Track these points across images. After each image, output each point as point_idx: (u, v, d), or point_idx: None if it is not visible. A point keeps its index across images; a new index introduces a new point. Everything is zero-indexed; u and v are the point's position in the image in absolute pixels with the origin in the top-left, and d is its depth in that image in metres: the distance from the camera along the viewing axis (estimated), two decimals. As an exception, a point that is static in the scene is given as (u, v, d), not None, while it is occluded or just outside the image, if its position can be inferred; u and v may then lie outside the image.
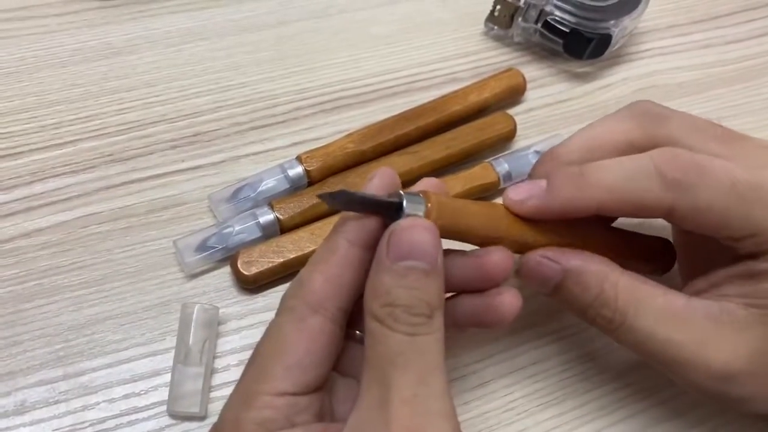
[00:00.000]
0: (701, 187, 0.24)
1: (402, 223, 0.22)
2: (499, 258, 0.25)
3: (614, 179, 0.25)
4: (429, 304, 0.22)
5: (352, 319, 0.26)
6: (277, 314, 0.24)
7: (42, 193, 0.35)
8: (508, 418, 0.30)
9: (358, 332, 0.26)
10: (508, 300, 0.25)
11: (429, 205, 0.23)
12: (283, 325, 0.23)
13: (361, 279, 0.24)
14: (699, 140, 0.27)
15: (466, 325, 0.26)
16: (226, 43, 0.43)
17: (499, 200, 0.37)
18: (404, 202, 0.23)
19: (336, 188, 0.35)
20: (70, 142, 0.37)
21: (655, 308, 0.25)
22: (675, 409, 0.31)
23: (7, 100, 0.39)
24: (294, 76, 0.42)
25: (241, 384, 0.23)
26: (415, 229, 0.22)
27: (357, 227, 0.24)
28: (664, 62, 0.46)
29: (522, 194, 0.26)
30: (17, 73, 0.40)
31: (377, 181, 0.25)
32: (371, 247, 0.24)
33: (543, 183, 0.26)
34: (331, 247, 0.24)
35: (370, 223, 0.24)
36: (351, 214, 0.24)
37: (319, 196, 0.23)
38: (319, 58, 0.43)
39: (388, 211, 0.23)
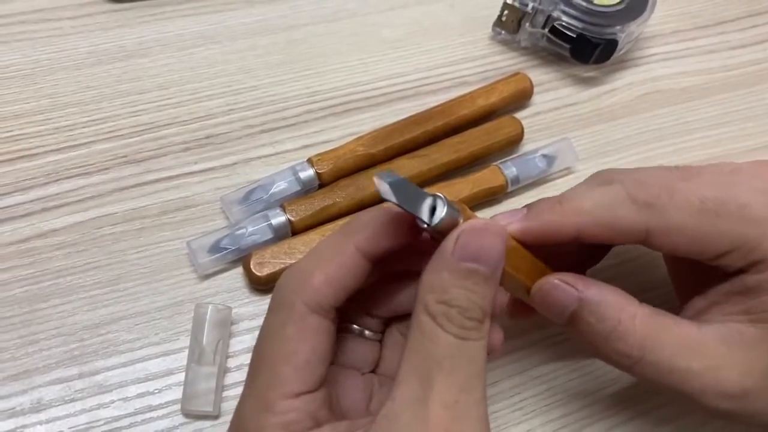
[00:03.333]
0: (672, 208, 0.25)
1: (475, 224, 0.22)
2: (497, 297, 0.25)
3: (591, 205, 0.25)
4: (483, 310, 0.22)
5: (351, 313, 0.27)
6: (275, 309, 0.24)
7: (57, 194, 0.36)
8: (516, 417, 0.31)
9: (355, 326, 0.27)
10: (493, 340, 0.25)
11: (462, 220, 0.23)
12: (285, 326, 0.23)
13: (358, 284, 0.24)
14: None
15: None
16: (238, 47, 0.43)
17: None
18: (445, 208, 0.22)
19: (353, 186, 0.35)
20: (84, 143, 0.38)
21: (672, 340, 0.25)
22: (681, 410, 0.31)
23: (23, 102, 0.39)
24: (304, 80, 0.42)
25: (254, 390, 0.23)
26: (487, 232, 0.22)
27: (370, 239, 0.24)
28: (668, 67, 0.46)
29: (502, 220, 0.26)
30: (32, 75, 0.41)
31: None
32: (377, 261, 0.24)
33: (524, 210, 0.27)
34: (339, 248, 0.24)
35: (384, 238, 0.24)
36: (367, 218, 0.24)
37: (377, 176, 0.22)
38: (329, 61, 0.43)
39: (424, 209, 0.23)
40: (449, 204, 0.23)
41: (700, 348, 0.25)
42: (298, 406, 0.22)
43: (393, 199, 0.22)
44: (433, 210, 0.23)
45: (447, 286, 0.22)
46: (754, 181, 0.26)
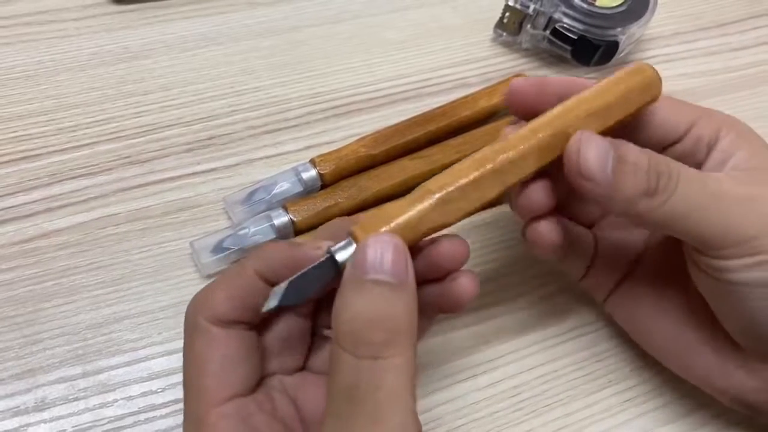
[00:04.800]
0: None
1: (369, 237, 0.22)
2: (447, 247, 0.24)
3: None
4: (394, 322, 0.21)
5: (321, 317, 0.27)
6: (184, 332, 0.24)
7: (60, 194, 0.36)
8: (516, 417, 0.31)
9: (326, 330, 0.27)
10: (464, 285, 0.25)
11: (357, 240, 0.23)
12: (193, 343, 0.24)
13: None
14: None
15: (429, 314, 0.26)
16: (241, 48, 0.44)
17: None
18: (335, 255, 0.22)
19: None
20: (88, 144, 0.38)
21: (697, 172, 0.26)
22: (680, 411, 0.32)
23: (27, 102, 0.40)
24: (307, 81, 0.42)
25: (186, 410, 0.24)
26: (379, 243, 0.22)
27: (268, 269, 0.24)
28: (669, 69, 0.46)
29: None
30: (36, 76, 0.41)
31: (314, 254, 0.24)
32: (276, 283, 0.24)
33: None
34: (239, 270, 0.24)
35: (279, 268, 0.24)
36: (267, 250, 0.24)
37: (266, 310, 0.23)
38: (332, 63, 0.44)
39: (329, 271, 0.23)
40: (336, 247, 0.23)
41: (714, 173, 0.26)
42: (228, 413, 0.22)
43: (304, 296, 0.22)
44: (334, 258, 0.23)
45: (352, 304, 0.21)
46: None
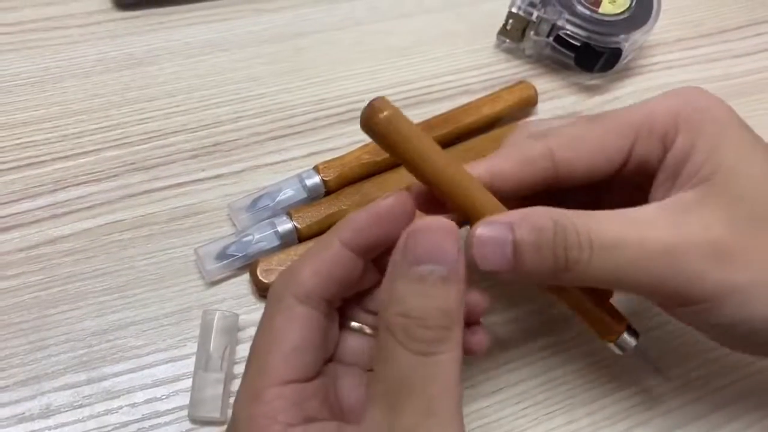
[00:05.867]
0: None
1: (419, 223, 0.21)
2: (473, 299, 0.26)
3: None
4: (447, 315, 0.21)
5: (348, 310, 0.27)
6: (267, 305, 0.25)
7: (65, 201, 0.36)
8: (521, 425, 0.31)
9: (354, 323, 0.27)
10: (477, 339, 0.26)
11: None
12: (273, 317, 0.24)
13: (349, 278, 0.24)
14: None
15: None
16: (245, 55, 0.44)
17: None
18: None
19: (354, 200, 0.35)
20: (93, 151, 0.38)
21: (614, 220, 0.24)
22: (682, 418, 0.32)
23: (32, 109, 0.40)
24: (311, 87, 0.43)
25: (246, 381, 0.24)
26: (432, 231, 0.21)
27: (353, 233, 0.24)
28: (672, 75, 0.47)
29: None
30: (42, 82, 0.41)
31: (391, 201, 0.24)
32: (362, 253, 0.24)
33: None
34: (324, 244, 0.24)
35: (366, 229, 0.24)
36: (353, 215, 0.25)
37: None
38: (336, 69, 0.44)
39: None
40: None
41: (645, 220, 0.24)
42: (285, 395, 0.22)
43: None
44: None
45: (403, 296, 0.21)
46: None
